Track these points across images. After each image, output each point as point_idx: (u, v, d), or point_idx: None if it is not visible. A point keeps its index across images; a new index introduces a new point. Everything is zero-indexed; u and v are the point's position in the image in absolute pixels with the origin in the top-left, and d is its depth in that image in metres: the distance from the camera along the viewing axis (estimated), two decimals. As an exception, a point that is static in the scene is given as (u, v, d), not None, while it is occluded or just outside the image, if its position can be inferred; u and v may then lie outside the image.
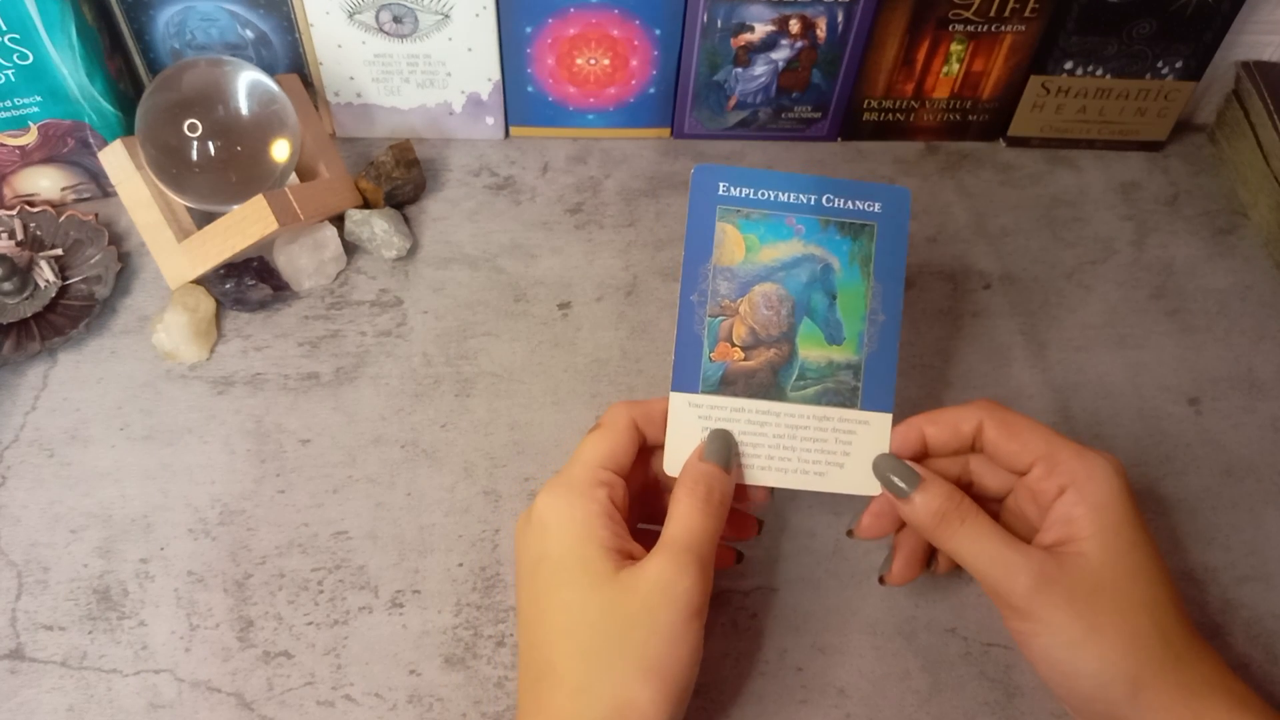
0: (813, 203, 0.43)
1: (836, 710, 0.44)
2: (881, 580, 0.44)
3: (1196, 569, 0.48)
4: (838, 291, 0.43)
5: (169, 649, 0.44)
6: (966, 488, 0.43)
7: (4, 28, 0.50)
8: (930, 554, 0.44)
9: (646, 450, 0.43)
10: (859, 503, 0.43)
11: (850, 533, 0.44)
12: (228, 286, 0.54)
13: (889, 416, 0.43)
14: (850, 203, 0.44)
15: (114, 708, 0.43)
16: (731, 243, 0.43)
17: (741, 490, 0.43)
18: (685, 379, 0.42)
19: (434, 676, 0.44)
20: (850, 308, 0.43)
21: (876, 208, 0.44)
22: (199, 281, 0.55)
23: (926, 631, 0.46)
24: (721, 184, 0.43)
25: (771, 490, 0.44)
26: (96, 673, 0.43)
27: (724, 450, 0.41)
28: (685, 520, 0.39)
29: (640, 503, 0.44)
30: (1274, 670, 0.45)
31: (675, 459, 0.42)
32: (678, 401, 0.42)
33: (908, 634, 0.46)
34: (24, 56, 0.52)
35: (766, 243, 0.43)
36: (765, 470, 0.43)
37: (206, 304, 0.54)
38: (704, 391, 0.42)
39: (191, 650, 0.44)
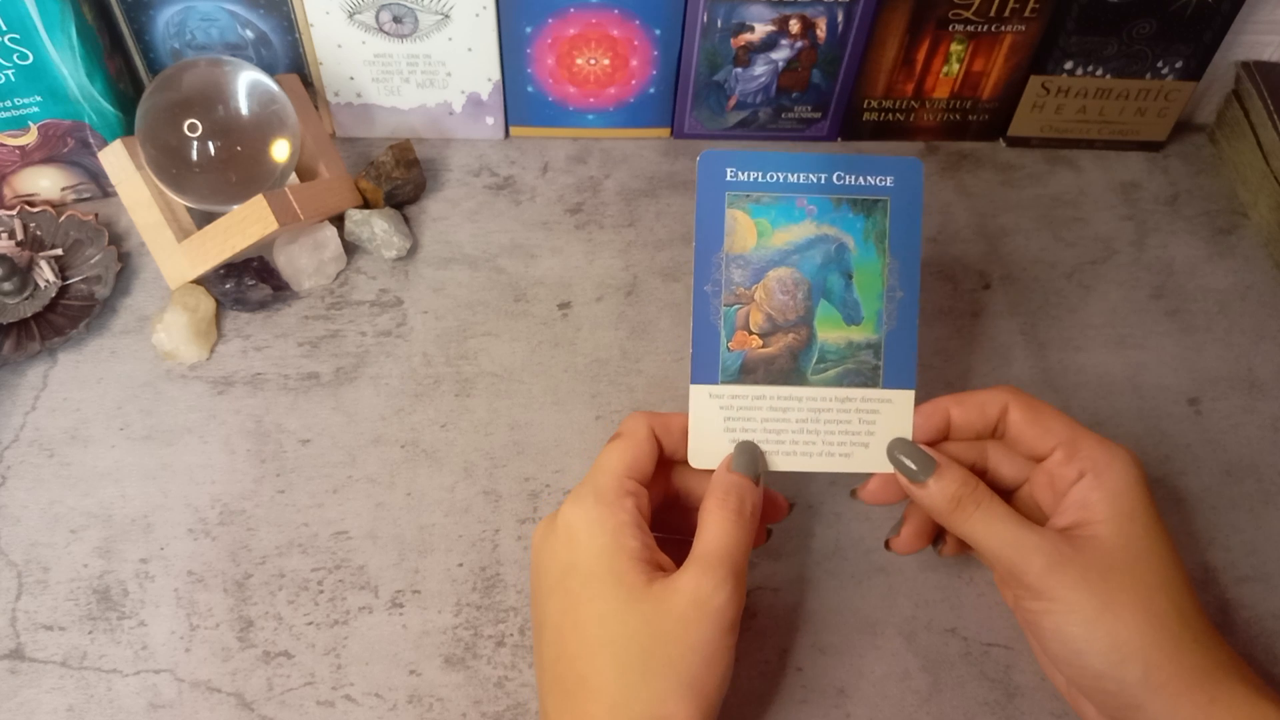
0: (823, 181, 0.42)
1: (836, 710, 0.44)
2: (887, 545, 0.44)
3: (1196, 569, 0.48)
4: (854, 270, 0.43)
5: (169, 649, 0.44)
6: (981, 475, 0.43)
7: (4, 28, 0.50)
8: (938, 529, 0.44)
9: (664, 461, 0.43)
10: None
11: (854, 493, 0.44)
12: (228, 286, 0.54)
13: (911, 393, 0.43)
14: (862, 178, 0.43)
15: (114, 708, 0.43)
16: (743, 229, 0.42)
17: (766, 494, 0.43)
18: (704, 370, 0.42)
19: (434, 676, 0.44)
20: (867, 286, 0.43)
21: (889, 181, 0.43)
22: (199, 281, 0.55)
23: (926, 631, 0.46)
24: (729, 169, 0.42)
25: (791, 505, 0.44)
26: (96, 673, 0.43)
27: (752, 461, 0.41)
28: (718, 533, 0.38)
29: (658, 513, 0.43)
30: (1274, 670, 0.45)
31: (699, 451, 0.42)
32: (698, 394, 0.42)
33: (908, 634, 0.46)
34: (24, 56, 0.52)
35: (779, 226, 0.42)
36: (790, 456, 0.42)
37: (206, 304, 0.54)
38: (724, 382, 0.42)
39: (191, 650, 0.44)
